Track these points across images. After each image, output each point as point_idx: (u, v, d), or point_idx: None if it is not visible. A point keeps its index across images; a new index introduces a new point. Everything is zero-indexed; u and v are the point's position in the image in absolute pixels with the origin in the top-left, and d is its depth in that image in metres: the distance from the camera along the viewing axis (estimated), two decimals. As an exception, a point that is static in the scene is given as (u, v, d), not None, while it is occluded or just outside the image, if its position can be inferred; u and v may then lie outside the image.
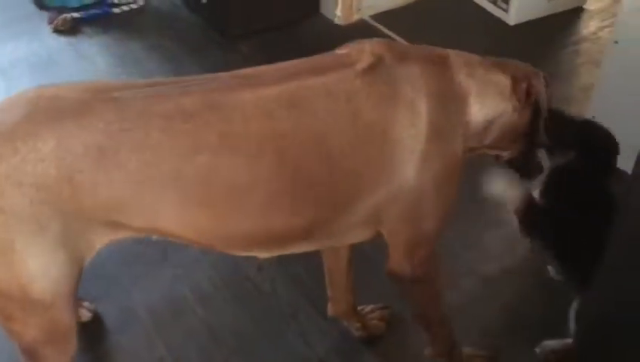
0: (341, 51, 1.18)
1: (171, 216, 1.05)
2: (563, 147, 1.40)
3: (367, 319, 1.60)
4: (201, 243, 1.13)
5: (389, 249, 1.24)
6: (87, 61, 2.68)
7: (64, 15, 2.86)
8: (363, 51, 1.14)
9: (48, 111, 1.00)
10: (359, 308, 1.60)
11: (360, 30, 2.84)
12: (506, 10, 2.80)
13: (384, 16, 2.89)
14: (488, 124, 1.22)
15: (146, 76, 2.56)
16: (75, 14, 2.89)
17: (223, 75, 1.11)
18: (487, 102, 1.20)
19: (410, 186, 1.14)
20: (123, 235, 1.09)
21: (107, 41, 2.80)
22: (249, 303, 1.69)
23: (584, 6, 2.90)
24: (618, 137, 1.93)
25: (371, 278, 1.53)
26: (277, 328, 1.63)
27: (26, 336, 1.09)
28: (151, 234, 1.11)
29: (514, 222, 1.51)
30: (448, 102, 1.17)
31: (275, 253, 1.21)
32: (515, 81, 1.22)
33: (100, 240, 1.07)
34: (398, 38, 2.73)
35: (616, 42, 1.81)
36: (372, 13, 2.90)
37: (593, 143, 1.42)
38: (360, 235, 1.22)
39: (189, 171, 1.01)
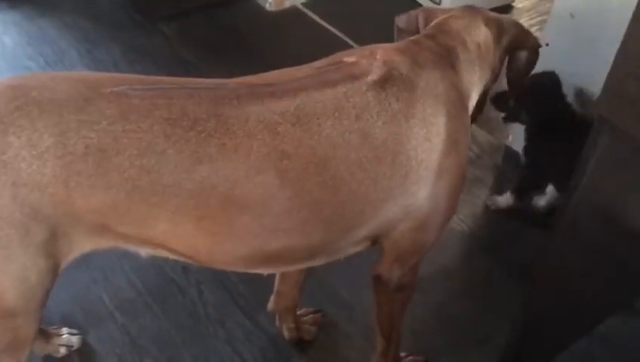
0: (349, 58, 1.07)
1: (165, 228, 0.96)
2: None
3: (301, 321, 1.54)
4: (194, 259, 1.04)
5: (383, 254, 1.17)
6: (-8, 38, 2.45)
7: (-34, -14, 2.61)
8: (373, 59, 1.05)
9: (42, 103, 0.88)
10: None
11: (291, 17, 2.75)
12: (438, 3, 2.79)
13: (316, 4, 2.81)
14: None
15: (59, 57, 2.38)
16: (-20, -15, 2.64)
17: (232, 82, 1.01)
18: (479, 88, 1.19)
19: (422, 202, 1.07)
20: (107, 243, 0.99)
21: (15, 16, 2.58)
22: (173, 308, 1.59)
23: (512, 4, 2.94)
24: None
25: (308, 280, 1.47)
26: (203, 334, 1.54)
27: None
28: (139, 244, 1.01)
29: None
30: (462, 108, 1.11)
31: (277, 271, 1.14)
32: (505, 52, 1.24)
33: (83, 246, 0.97)
34: (329, 28, 2.67)
35: (547, 44, 1.83)
36: (304, 0, 2.82)
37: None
38: (361, 247, 1.15)
39: (188, 182, 0.92)
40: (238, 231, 1.00)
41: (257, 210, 0.98)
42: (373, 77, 1.02)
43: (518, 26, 1.29)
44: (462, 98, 1.13)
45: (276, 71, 1.07)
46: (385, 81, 1.02)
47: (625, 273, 1.47)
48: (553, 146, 1.76)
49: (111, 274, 1.64)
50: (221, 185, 0.94)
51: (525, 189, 1.90)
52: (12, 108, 0.88)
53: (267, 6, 2.77)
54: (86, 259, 1.66)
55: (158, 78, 1.00)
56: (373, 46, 1.12)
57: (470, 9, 1.24)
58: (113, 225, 0.95)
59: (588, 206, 1.15)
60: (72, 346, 1.48)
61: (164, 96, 0.94)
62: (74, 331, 1.50)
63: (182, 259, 1.06)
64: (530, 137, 1.84)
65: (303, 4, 2.81)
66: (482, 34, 1.19)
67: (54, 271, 0.97)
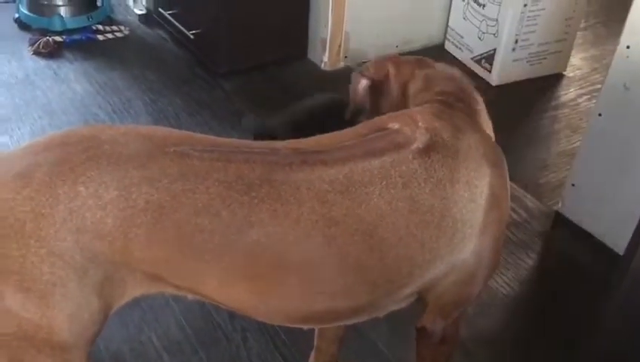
0: (393, 124, 1.11)
1: (214, 284, 1.01)
2: None
3: None
4: (240, 311, 1.09)
5: (427, 308, 1.18)
6: (66, 86, 2.62)
7: (46, 38, 2.81)
8: (416, 126, 1.09)
9: (112, 156, 0.94)
10: None
11: (344, 77, 2.83)
12: (489, 71, 2.85)
13: (369, 66, 2.91)
14: None
15: (125, 106, 2.52)
16: (58, 38, 2.84)
17: (284, 148, 1.05)
18: None
19: (468, 257, 1.10)
20: (158, 289, 1.04)
21: (88, 67, 2.75)
22: (218, 353, 1.63)
23: (564, 72, 2.98)
24: (596, 205, 1.97)
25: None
26: (245, 381, 1.56)
27: None
28: (189, 294, 1.06)
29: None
30: (501, 165, 1.14)
31: (321, 326, 1.18)
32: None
33: (136, 291, 1.02)
34: (382, 89, 2.76)
35: (600, 115, 1.85)
36: (358, 60, 2.92)
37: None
38: (404, 304, 1.17)
39: (239, 245, 0.97)
40: (285, 292, 1.03)
41: (304, 274, 1.02)
42: (418, 145, 1.06)
43: None
44: (499, 154, 1.15)
45: (323, 135, 1.11)
46: (429, 149, 1.06)
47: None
48: None
49: (161, 314, 1.70)
50: (271, 248, 0.98)
51: None
52: (84, 159, 0.93)
53: (322, 66, 2.88)
54: (138, 298, 1.73)
55: (218, 139, 1.06)
56: (408, 111, 1.16)
57: (428, 60, 1.30)
58: (166, 276, 1.00)
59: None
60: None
61: (222, 159, 0.98)
62: (122, 369, 1.54)
63: (225, 307, 1.10)
64: None
65: (357, 64, 2.91)
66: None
67: (106, 311, 1.01)
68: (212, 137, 1.05)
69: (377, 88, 1.29)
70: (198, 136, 1.05)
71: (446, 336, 1.21)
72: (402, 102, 1.25)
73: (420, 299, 1.17)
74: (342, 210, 1.00)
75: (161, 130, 1.06)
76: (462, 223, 1.07)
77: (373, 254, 1.03)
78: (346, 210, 1.00)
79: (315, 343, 1.51)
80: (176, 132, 1.06)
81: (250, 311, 1.08)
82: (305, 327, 1.26)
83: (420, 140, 1.06)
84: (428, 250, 1.06)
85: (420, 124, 1.09)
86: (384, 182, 1.02)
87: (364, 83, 1.29)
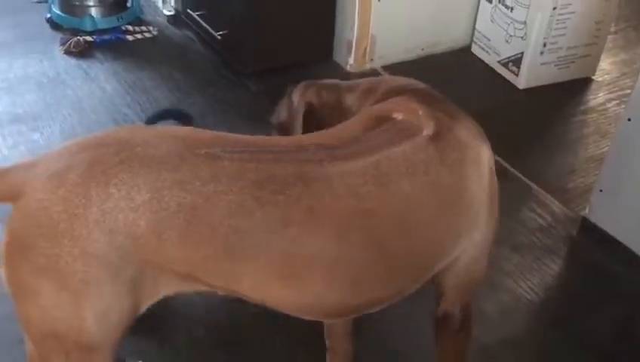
0: (397, 115, 1.13)
1: (250, 283, 1.02)
2: None
3: None
4: (276, 308, 1.10)
5: (445, 290, 1.21)
6: (96, 85, 2.67)
7: (77, 38, 2.86)
8: (417, 114, 1.12)
9: (144, 159, 0.96)
10: None
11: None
12: (516, 74, 2.82)
13: (395, 68, 2.91)
14: None
15: (153, 105, 2.55)
16: (88, 38, 2.89)
17: (310, 145, 1.07)
18: None
19: (481, 233, 1.15)
20: (190, 288, 1.05)
21: (117, 67, 2.80)
22: (241, 350, 1.64)
23: (593, 77, 2.93)
24: (624, 212, 1.94)
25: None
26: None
27: None
28: (224, 292, 1.07)
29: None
30: (486, 138, 1.20)
31: (350, 317, 1.21)
32: None
33: (168, 289, 1.03)
34: (407, 91, 2.75)
35: (629, 120, 1.82)
36: (384, 63, 2.92)
37: None
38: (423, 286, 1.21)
39: (275, 243, 0.98)
40: (322, 288, 1.04)
41: (343, 268, 1.03)
42: (428, 132, 1.10)
43: None
44: (482, 130, 1.20)
45: (334, 129, 1.14)
46: (439, 134, 1.10)
47: None
48: None
49: (185, 312, 1.71)
50: (308, 246, 0.99)
51: None
52: (116, 161, 0.94)
53: (348, 67, 2.88)
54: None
55: (248, 139, 1.06)
56: (399, 99, 1.19)
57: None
58: (200, 276, 1.01)
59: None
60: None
61: (253, 160, 0.99)
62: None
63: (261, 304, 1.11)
64: None
65: (382, 66, 2.91)
66: None
67: (135, 311, 1.02)
68: (241, 137, 1.06)
69: (310, 112, 1.32)
70: (228, 136, 1.06)
71: (464, 321, 1.24)
72: (337, 119, 1.26)
73: (435, 284, 1.20)
74: (376, 202, 1.02)
75: (193, 132, 1.08)
76: (475, 199, 1.12)
77: (407, 241, 1.06)
78: (380, 200, 1.02)
79: (328, 344, 1.51)
80: (207, 133, 1.07)
81: (284, 307, 1.08)
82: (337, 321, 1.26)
83: (428, 127, 1.10)
84: (452, 230, 1.11)
85: (420, 112, 1.13)
86: (410, 170, 1.05)
87: (300, 109, 1.31)
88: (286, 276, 1.01)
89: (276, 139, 1.08)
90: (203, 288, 1.05)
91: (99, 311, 0.97)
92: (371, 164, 1.03)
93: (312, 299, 1.06)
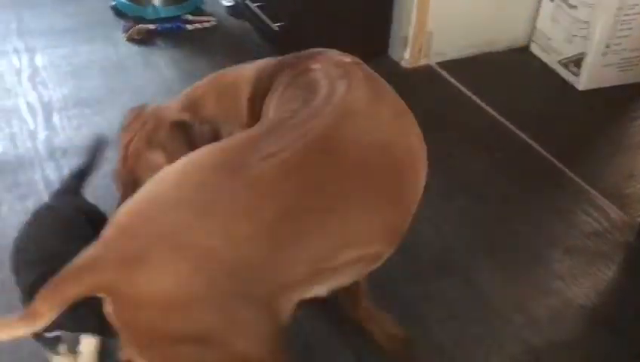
0: (314, 65, 1.34)
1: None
2: None
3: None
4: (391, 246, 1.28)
5: None
6: (155, 72, 2.74)
7: (139, 25, 2.94)
8: (333, 64, 1.32)
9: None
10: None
11: (425, 75, 2.84)
12: (576, 75, 2.76)
13: (450, 65, 2.88)
14: None
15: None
16: (150, 26, 2.97)
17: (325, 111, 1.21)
18: None
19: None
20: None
21: (177, 55, 2.87)
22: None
23: None
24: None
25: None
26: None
27: None
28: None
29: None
30: None
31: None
32: None
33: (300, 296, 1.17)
34: (462, 88, 2.73)
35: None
36: (439, 60, 2.90)
37: None
38: None
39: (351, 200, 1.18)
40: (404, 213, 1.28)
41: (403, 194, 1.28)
42: (359, 74, 1.29)
43: None
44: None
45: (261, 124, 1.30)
46: (368, 75, 1.31)
47: None
48: None
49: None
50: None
51: None
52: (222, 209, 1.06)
53: (402, 63, 2.88)
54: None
55: (270, 127, 1.21)
56: (310, 54, 1.42)
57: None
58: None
59: None
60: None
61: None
62: None
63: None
64: None
65: (437, 63, 2.89)
66: None
67: (282, 323, 1.13)
68: (245, 137, 1.20)
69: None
70: (234, 143, 1.18)
71: None
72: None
73: None
74: (375, 145, 1.22)
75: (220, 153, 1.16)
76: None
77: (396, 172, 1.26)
78: (372, 139, 1.22)
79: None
80: (226, 150, 1.17)
81: (396, 235, 1.27)
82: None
83: (355, 73, 1.29)
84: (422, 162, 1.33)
85: (335, 60, 1.34)
86: (371, 108, 1.26)
87: (159, 161, 1.38)
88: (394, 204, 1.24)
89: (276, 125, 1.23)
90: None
91: (260, 337, 1.09)
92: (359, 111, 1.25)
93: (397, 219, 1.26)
